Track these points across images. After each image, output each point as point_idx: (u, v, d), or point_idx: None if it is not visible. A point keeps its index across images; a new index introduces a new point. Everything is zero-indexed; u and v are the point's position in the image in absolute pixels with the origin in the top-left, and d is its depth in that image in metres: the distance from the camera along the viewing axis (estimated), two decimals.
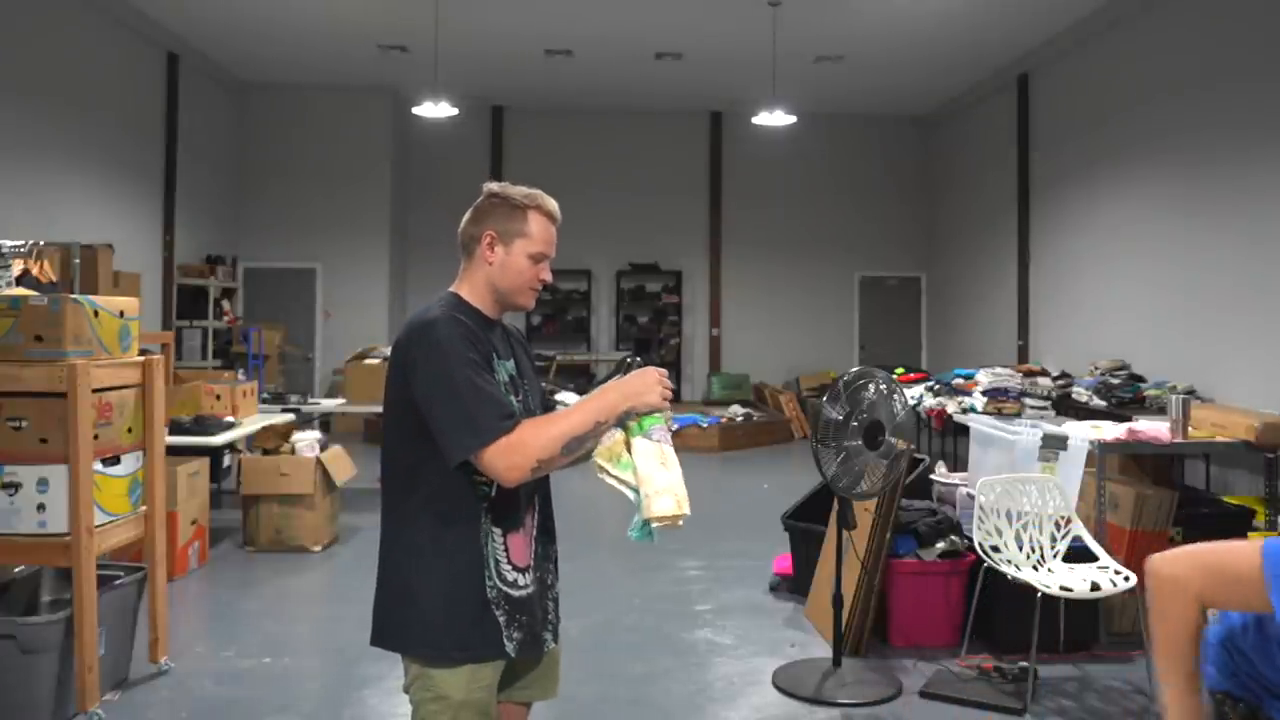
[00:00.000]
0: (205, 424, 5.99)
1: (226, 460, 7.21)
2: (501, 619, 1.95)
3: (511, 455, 1.83)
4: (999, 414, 7.47)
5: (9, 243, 5.19)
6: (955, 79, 11.56)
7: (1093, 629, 4.37)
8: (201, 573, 5.63)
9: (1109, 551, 4.14)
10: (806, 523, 5.08)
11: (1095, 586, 3.76)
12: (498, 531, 1.96)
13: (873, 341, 13.67)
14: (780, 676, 4.04)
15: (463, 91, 11.75)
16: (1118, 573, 3.88)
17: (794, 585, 5.18)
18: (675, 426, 2.05)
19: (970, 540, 4.15)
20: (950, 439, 8.84)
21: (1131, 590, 3.81)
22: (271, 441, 6.19)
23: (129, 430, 3.76)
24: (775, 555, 5.49)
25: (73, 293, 5.42)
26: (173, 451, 5.09)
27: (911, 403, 5.10)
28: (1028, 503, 4.16)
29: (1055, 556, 4.09)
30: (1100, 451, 4.48)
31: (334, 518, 6.35)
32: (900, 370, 9.62)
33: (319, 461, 6.08)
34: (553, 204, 2.09)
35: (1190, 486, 6.43)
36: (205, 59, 10.98)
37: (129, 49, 9.52)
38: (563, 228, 2.13)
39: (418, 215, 13.12)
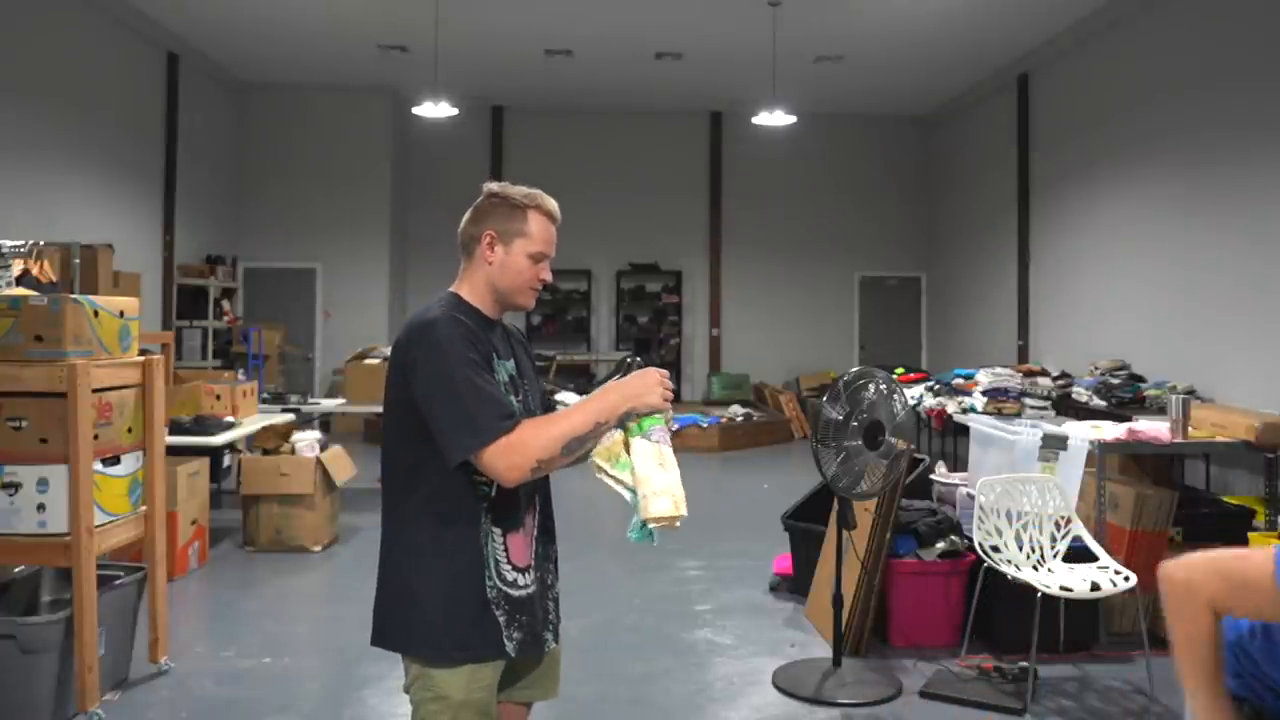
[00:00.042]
0: (205, 424, 5.99)
1: (226, 460, 7.21)
2: (501, 619, 1.95)
3: (511, 455, 1.82)
4: (999, 414, 7.47)
5: (9, 243, 5.19)
6: (955, 79, 11.56)
7: (1093, 629, 4.37)
8: (201, 573, 5.63)
9: (1109, 551, 4.14)
10: (806, 523, 5.08)
11: (1095, 586, 3.76)
12: (498, 532, 1.96)
13: (873, 341, 13.67)
14: (780, 676, 4.04)
15: (463, 91, 11.75)
16: (1118, 573, 3.88)
17: (794, 585, 5.18)
18: (675, 426, 2.05)
19: (970, 540, 4.15)
20: (950, 439, 8.84)
21: (1131, 590, 3.81)
22: (271, 441, 6.19)
23: (129, 430, 3.76)
24: (775, 555, 5.49)
25: (73, 293, 5.42)
26: (173, 451, 5.09)
27: (911, 403, 5.10)
28: (1028, 503, 4.16)
29: (1055, 556, 4.09)
30: (1100, 451, 4.48)
31: (334, 518, 6.35)
32: (900, 370, 9.62)
33: (319, 461, 6.08)
34: (552, 204, 2.09)
35: (1190, 486, 6.43)
36: (205, 59, 10.98)
37: (129, 49, 9.52)
38: (563, 228, 2.13)
39: (418, 215, 13.13)
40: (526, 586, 2.01)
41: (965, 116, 12.46)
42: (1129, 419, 5.24)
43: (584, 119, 13.32)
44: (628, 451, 1.95)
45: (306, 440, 6.19)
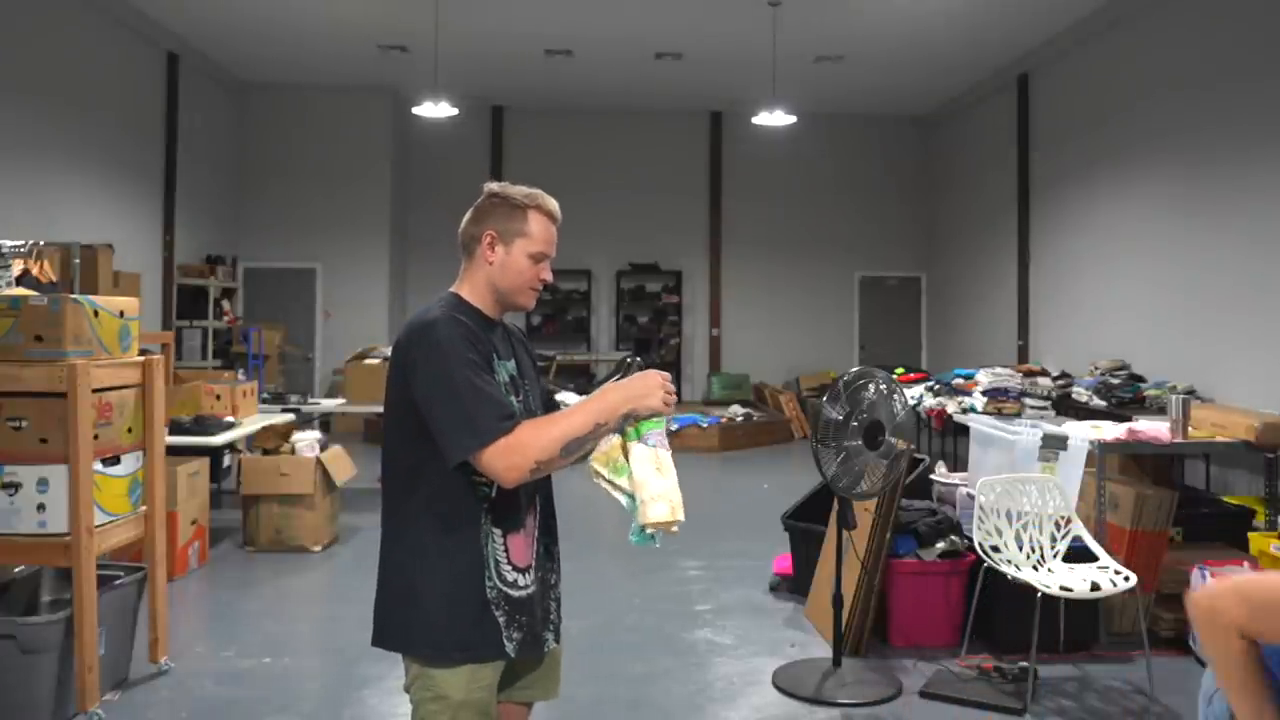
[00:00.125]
0: (205, 424, 5.99)
1: (226, 460, 7.21)
2: (501, 619, 1.95)
3: (510, 456, 1.82)
4: (999, 414, 7.47)
5: (9, 243, 5.19)
6: (955, 79, 11.56)
7: (1093, 629, 4.37)
8: (201, 573, 5.63)
9: (1109, 551, 4.14)
10: (806, 523, 5.08)
11: (1095, 586, 3.75)
12: (498, 532, 1.96)
13: (873, 341, 13.67)
14: (780, 676, 4.04)
15: (463, 91, 11.75)
16: (1118, 573, 3.88)
17: (794, 585, 5.18)
18: (675, 427, 2.04)
19: (970, 540, 4.15)
20: (950, 439, 8.84)
21: (1132, 590, 3.81)
22: (271, 441, 6.19)
23: (129, 430, 3.76)
24: (775, 555, 5.49)
25: (73, 293, 5.42)
26: (173, 451, 5.09)
27: (911, 403, 5.10)
28: (1028, 503, 4.16)
29: (1055, 556, 4.09)
30: (1100, 451, 4.48)
31: (334, 518, 6.35)
32: (900, 370, 9.62)
33: (319, 461, 6.08)
34: (553, 204, 2.09)
35: (1190, 486, 6.43)
36: (205, 59, 10.98)
37: (129, 49, 9.52)
38: (563, 228, 2.13)
39: (418, 215, 13.13)
40: (527, 587, 2.01)
41: (965, 116, 12.46)
42: (1129, 419, 5.24)
43: (584, 119, 13.32)
44: (625, 457, 1.95)
45: (306, 440, 6.18)
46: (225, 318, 11.33)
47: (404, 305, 12.87)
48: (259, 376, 9.60)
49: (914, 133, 13.73)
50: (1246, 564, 4.16)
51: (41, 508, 3.40)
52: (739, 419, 11.38)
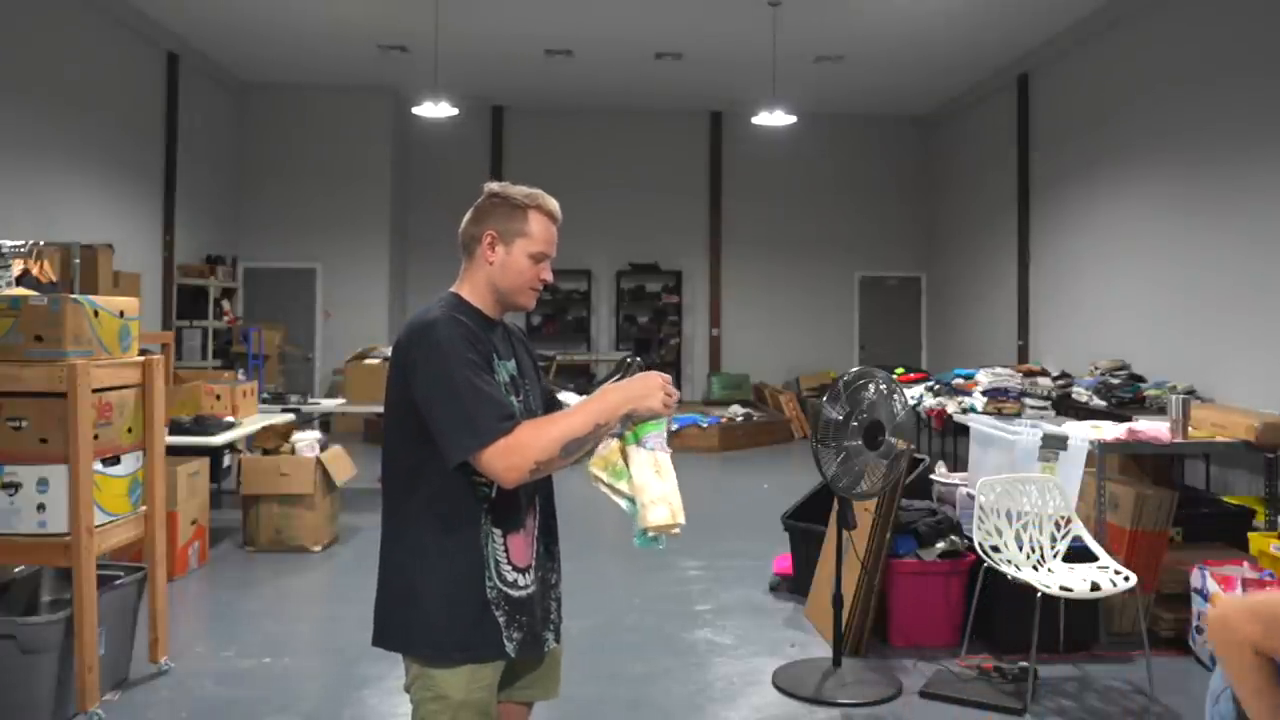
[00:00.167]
0: (205, 424, 5.99)
1: (226, 460, 7.21)
2: (501, 619, 1.95)
3: (510, 456, 1.82)
4: (999, 414, 7.47)
5: (9, 243, 5.20)
6: (955, 79, 11.56)
7: (1093, 629, 4.37)
8: (201, 573, 5.63)
9: (1109, 551, 4.14)
10: (806, 523, 5.08)
11: (1095, 586, 3.76)
12: (498, 532, 1.96)
13: (873, 341, 13.67)
14: (780, 676, 4.04)
15: (463, 91, 11.75)
16: (1118, 573, 3.88)
17: (794, 585, 5.18)
18: (675, 426, 2.04)
19: (970, 540, 4.15)
20: (950, 439, 8.84)
21: (1131, 590, 3.81)
22: (271, 441, 6.19)
23: (129, 430, 3.76)
24: (775, 555, 5.49)
25: (73, 293, 5.42)
26: (173, 451, 5.09)
27: (911, 403, 5.10)
28: (1028, 503, 4.16)
29: (1055, 556, 4.09)
30: (1100, 451, 4.48)
31: (334, 518, 6.35)
32: (900, 370, 9.62)
33: (319, 461, 6.08)
34: (553, 204, 2.09)
35: (1190, 486, 6.44)
36: (205, 59, 10.98)
37: (129, 49, 9.52)
38: (563, 228, 2.13)
39: (418, 215, 13.13)
40: (527, 587, 2.01)
41: (965, 116, 12.46)
42: (1129, 419, 5.24)
43: (584, 119, 13.32)
44: (624, 461, 1.95)
45: (306, 440, 6.18)
46: (225, 318, 11.33)
47: (404, 305, 12.87)
48: (259, 376, 9.60)
49: (914, 133, 13.73)
50: (1246, 564, 4.16)
51: (41, 508, 3.40)
52: (739, 419, 11.38)
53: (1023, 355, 10.41)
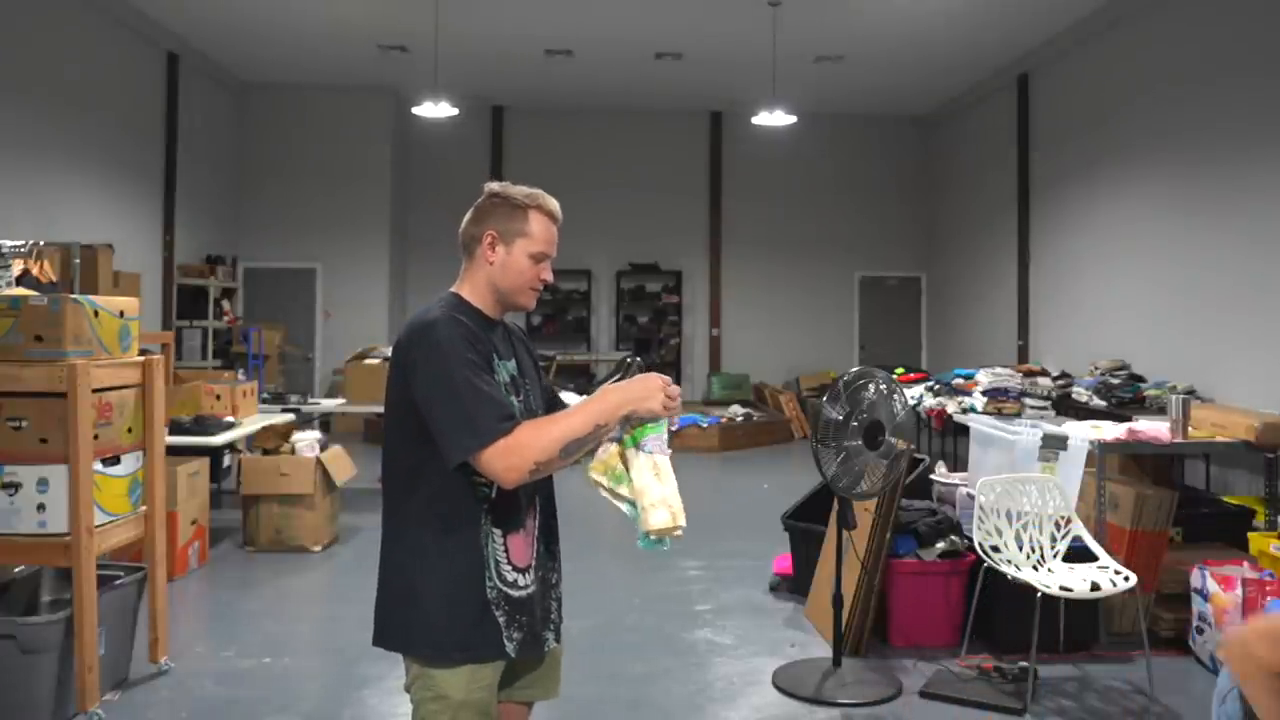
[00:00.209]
0: (205, 424, 5.99)
1: (226, 460, 7.21)
2: (502, 619, 1.96)
3: (510, 457, 1.82)
4: (999, 414, 7.47)
5: (9, 243, 5.20)
6: (955, 79, 11.56)
7: (1093, 629, 4.37)
8: (201, 573, 5.63)
9: (1109, 551, 4.14)
10: (806, 523, 5.08)
11: (1095, 586, 3.75)
12: (498, 533, 1.96)
13: (873, 341, 13.67)
14: (780, 676, 4.04)
15: (463, 91, 11.75)
16: (1118, 573, 3.88)
17: (794, 585, 5.18)
18: (676, 426, 2.04)
19: (970, 540, 4.15)
20: (950, 439, 8.84)
21: (1131, 590, 3.81)
22: (271, 441, 6.19)
23: (129, 430, 3.76)
24: (775, 555, 5.49)
25: (73, 293, 5.42)
26: (173, 451, 5.09)
27: (911, 403, 5.10)
28: (1028, 503, 4.16)
29: (1055, 556, 4.09)
30: (1100, 451, 4.48)
31: (334, 518, 6.35)
32: (900, 370, 9.62)
33: (319, 461, 6.08)
34: (554, 204, 2.09)
35: (1190, 486, 6.44)
36: (205, 59, 10.98)
37: (129, 49, 9.52)
38: (563, 228, 2.13)
39: (418, 215, 13.12)
40: (527, 587, 2.01)
41: (965, 116, 12.46)
42: (1129, 419, 5.24)
43: (584, 119, 13.32)
44: (624, 464, 1.95)
45: (306, 440, 6.18)
46: (225, 318, 11.33)
47: (404, 305, 12.87)
48: (259, 376, 9.60)
49: (914, 133, 13.73)
50: (1246, 564, 4.16)
51: (41, 508, 3.41)
52: (739, 419, 11.38)
53: (1023, 355, 10.41)
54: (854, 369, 4.01)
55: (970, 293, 12.30)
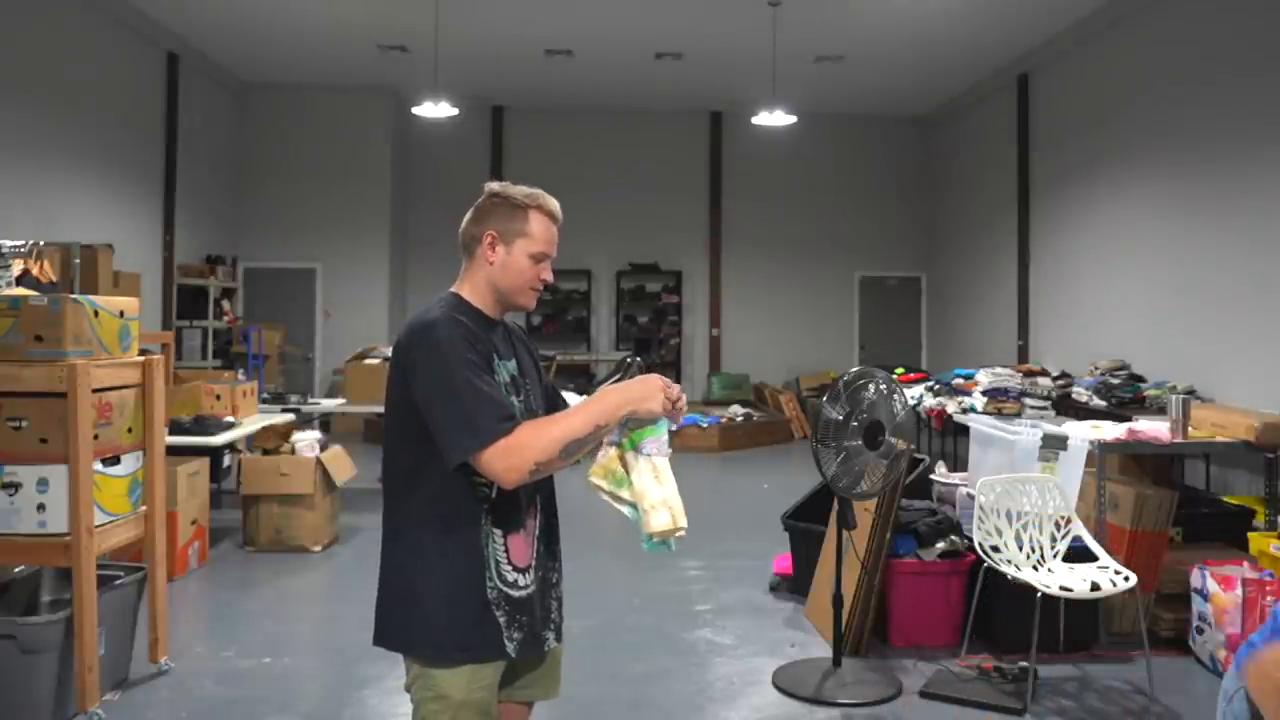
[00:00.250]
0: (205, 424, 5.99)
1: (226, 460, 7.21)
2: (502, 619, 1.95)
3: (510, 457, 1.82)
4: (999, 414, 7.47)
5: (9, 243, 5.20)
6: (955, 79, 11.56)
7: (1093, 629, 4.37)
8: (201, 573, 5.63)
9: (1109, 551, 4.14)
10: (806, 523, 5.08)
11: (1095, 586, 3.75)
12: (498, 533, 1.96)
13: (873, 341, 13.67)
14: (780, 676, 4.04)
15: (463, 91, 11.75)
16: (1118, 573, 3.88)
17: (794, 585, 5.18)
18: (676, 426, 2.03)
19: (970, 540, 4.15)
20: (950, 439, 8.84)
21: (1131, 590, 3.81)
22: (271, 441, 6.19)
23: (129, 430, 3.76)
24: (775, 555, 5.49)
25: (73, 293, 5.42)
26: (173, 451, 5.09)
27: (911, 403, 5.10)
28: (1028, 503, 4.16)
29: (1055, 556, 4.09)
30: (1100, 451, 4.48)
31: (334, 518, 6.35)
32: (900, 370, 9.62)
33: (319, 461, 6.08)
34: (554, 204, 2.08)
35: (1190, 486, 6.44)
36: (205, 59, 10.98)
37: (129, 49, 9.52)
38: (563, 228, 2.13)
39: (418, 215, 13.13)
40: (527, 587, 2.01)
41: (965, 116, 12.46)
42: (1129, 419, 5.24)
43: (584, 119, 13.32)
44: (624, 467, 1.95)
45: (306, 440, 6.18)
46: (225, 318, 11.33)
47: (404, 305, 12.87)
48: (259, 376, 9.60)
49: (914, 133, 13.73)
50: (1246, 564, 4.16)
51: (41, 508, 3.40)
52: (739, 419, 11.38)
53: (1023, 355, 10.41)
54: (854, 369, 4.01)
55: (970, 293, 12.30)
